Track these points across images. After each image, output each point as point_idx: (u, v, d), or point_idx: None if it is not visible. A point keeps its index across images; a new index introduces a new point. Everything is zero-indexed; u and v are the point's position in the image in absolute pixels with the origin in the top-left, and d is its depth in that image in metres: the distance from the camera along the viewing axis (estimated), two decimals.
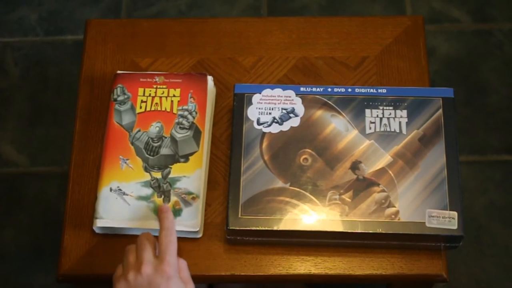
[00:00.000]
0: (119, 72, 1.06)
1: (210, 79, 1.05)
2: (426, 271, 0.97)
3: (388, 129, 0.99)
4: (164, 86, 1.04)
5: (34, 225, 1.64)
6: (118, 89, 1.04)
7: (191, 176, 0.99)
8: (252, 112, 1.01)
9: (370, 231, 0.94)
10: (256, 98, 1.02)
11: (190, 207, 0.97)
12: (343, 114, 1.00)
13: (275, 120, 1.00)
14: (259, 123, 1.00)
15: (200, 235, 0.99)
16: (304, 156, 0.98)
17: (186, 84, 1.04)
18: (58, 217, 1.13)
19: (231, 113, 1.03)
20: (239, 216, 0.95)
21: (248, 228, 0.95)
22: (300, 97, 1.02)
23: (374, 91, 1.02)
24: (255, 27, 1.13)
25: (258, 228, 0.95)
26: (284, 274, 0.97)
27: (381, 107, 1.01)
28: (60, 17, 1.85)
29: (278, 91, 1.02)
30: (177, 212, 0.97)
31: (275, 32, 1.12)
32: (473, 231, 1.59)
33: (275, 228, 0.94)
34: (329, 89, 1.02)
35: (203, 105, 1.03)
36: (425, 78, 1.08)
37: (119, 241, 0.98)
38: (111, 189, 0.98)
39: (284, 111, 1.01)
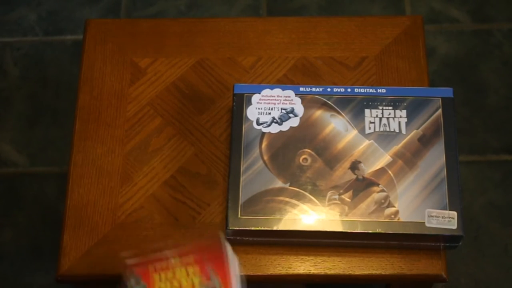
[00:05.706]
0: (129, 261, 0.90)
1: (228, 247, 0.90)
2: (426, 271, 0.97)
3: (388, 129, 0.99)
4: (181, 267, 0.89)
5: (33, 225, 1.63)
6: (132, 280, 0.89)
7: None
8: (251, 112, 1.01)
9: (370, 231, 0.94)
10: (255, 98, 1.02)
11: None
12: (342, 114, 1.00)
13: (275, 120, 1.00)
14: (258, 123, 1.00)
15: None
16: (303, 156, 0.98)
17: (201, 259, 0.88)
18: (58, 217, 1.13)
19: (231, 113, 1.03)
20: (239, 216, 0.95)
21: (248, 228, 0.95)
22: (299, 97, 1.02)
23: (374, 91, 1.02)
24: (255, 27, 1.13)
25: (257, 228, 0.94)
26: (284, 274, 0.97)
27: (380, 107, 1.01)
28: (60, 17, 1.85)
29: (277, 91, 1.02)
30: None
31: (274, 32, 1.12)
32: (473, 231, 1.59)
33: (274, 228, 0.94)
34: (329, 89, 1.02)
35: (227, 278, 0.88)
36: (424, 78, 1.08)
37: (119, 241, 0.98)
38: None
39: (283, 111, 1.01)
